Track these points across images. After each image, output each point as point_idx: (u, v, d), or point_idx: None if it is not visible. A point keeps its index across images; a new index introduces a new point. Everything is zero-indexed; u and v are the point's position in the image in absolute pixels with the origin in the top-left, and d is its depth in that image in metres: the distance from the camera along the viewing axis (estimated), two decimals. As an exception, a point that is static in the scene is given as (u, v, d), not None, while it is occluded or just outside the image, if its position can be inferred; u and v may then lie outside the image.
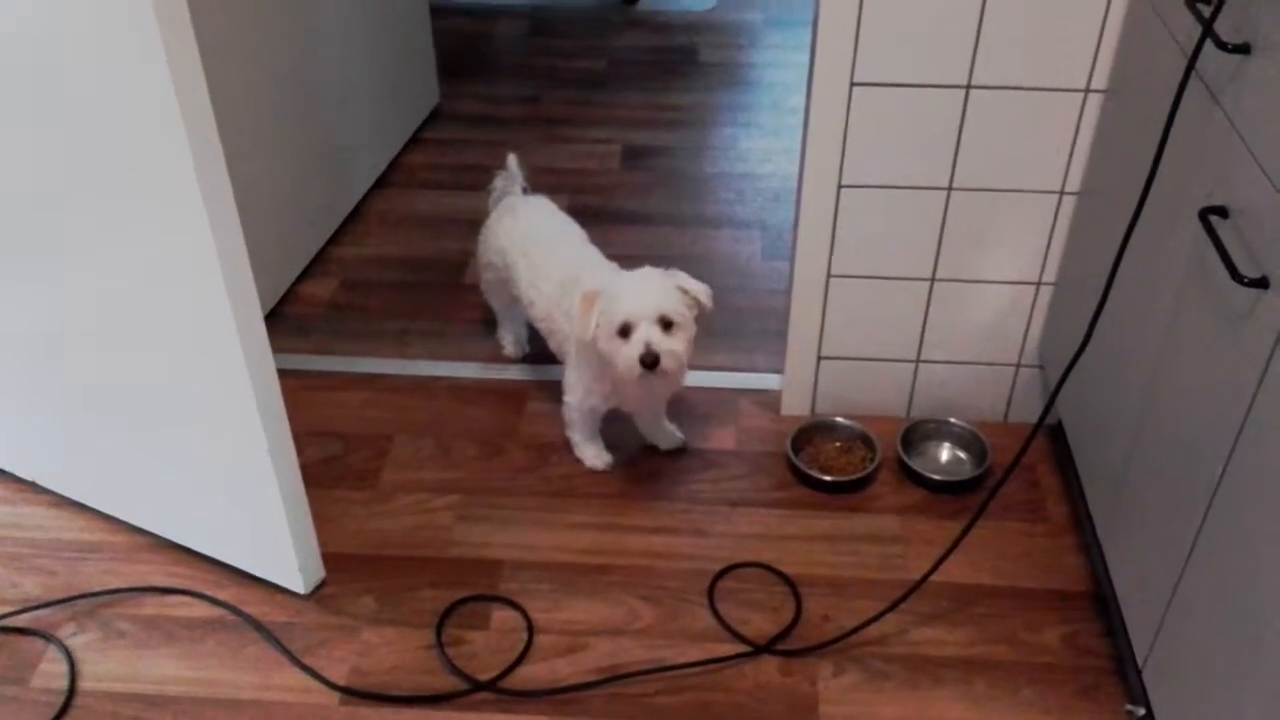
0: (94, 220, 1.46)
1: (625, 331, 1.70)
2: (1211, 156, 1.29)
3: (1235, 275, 1.16)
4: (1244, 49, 1.21)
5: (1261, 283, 1.14)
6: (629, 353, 1.69)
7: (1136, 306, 1.50)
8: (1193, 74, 1.30)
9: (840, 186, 1.82)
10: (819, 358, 2.02)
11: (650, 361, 1.68)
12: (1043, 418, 1.55)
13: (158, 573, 1.79)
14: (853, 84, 1.72)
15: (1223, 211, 1.24)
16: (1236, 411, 1.19)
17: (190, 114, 1.28)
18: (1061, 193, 1.80)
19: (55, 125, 1.39)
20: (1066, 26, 1.65)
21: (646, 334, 1.69)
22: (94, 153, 1.38)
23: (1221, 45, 1.23)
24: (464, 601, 1.74)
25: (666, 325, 1.70)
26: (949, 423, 2.03)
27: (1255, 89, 1.20)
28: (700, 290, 1.74)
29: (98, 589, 1.75)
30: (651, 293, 1.71)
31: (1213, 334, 1.26)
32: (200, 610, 1.73)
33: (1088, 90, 1.70)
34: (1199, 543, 1.27)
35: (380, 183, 2.79)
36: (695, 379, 2.03)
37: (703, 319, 1.77)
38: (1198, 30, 1.27)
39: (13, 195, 1.51)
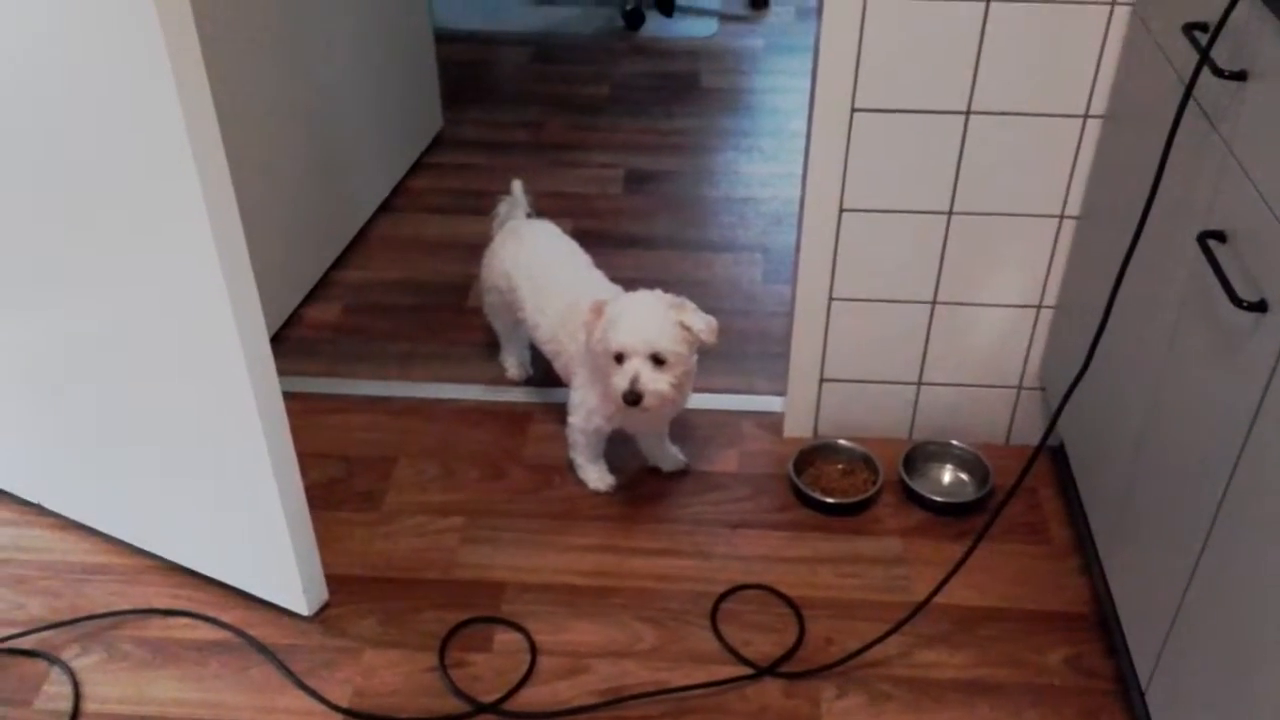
0: (100, 243, 1.47)
1: (620, 358, 1.72)
2: (1209, 181, 1.30)
3: (1234, 299, 1.17)
4: (1240, 76, 1.23)
5: (1260, 306, 1.15)
6: (617, 382, 1.72)
7: (1137, 329, 1.51)
8: (1190, 100, 1.31)
9: (842, 210, 1.83)
10: (821, 380, 2.03)
11: (632, 399, 1.70)
12: (1044, 440, 1.56)
13: (162, 595, 1.79)
14: (854, 109, 1.73)
15: (1221, 236, 1.26)
16: (1237, 433, 1.19)
17: (197, 138, 1.29)
18: (1062, 217, 1.81)
19: (61, 149, 1.40)
20: (1065, 53, 1.66)
21: (635, 369, 1.70)
22: (100, 176, 1.39)
23: (1218, 72, 1.24)
24: (467, 623, 1.74)
25: (659, 361, 1.72)
26: (951, 445, 2.03)
27: (1252, 115, 1.21)
28: (703, 327, 1.74)
29: (102, 611, 1.76)
30: (648, 327, 1.72)
31: (1212, 357, 1.27)
32: (204, 632, 1.73)
33: (1087, 115, 1.71)
34: (1201, 564, 1.27)
35: (384, 207, 2.81)
36: (698, 401, 2.04)
37: (706, 345, 1.78)
38: (1195, 57, 1.29)
39: (18, 219, 1.52)
